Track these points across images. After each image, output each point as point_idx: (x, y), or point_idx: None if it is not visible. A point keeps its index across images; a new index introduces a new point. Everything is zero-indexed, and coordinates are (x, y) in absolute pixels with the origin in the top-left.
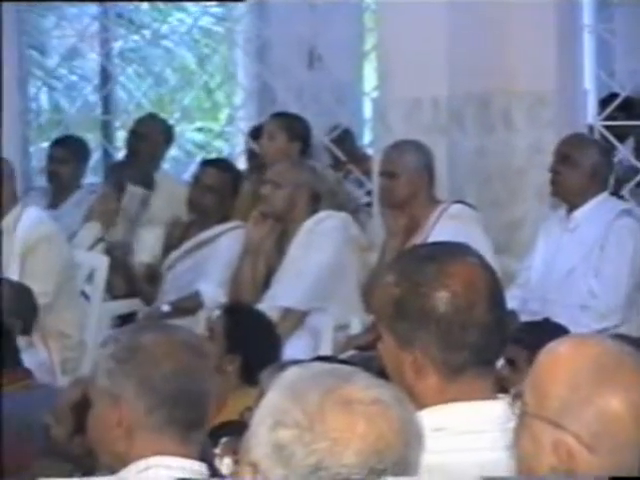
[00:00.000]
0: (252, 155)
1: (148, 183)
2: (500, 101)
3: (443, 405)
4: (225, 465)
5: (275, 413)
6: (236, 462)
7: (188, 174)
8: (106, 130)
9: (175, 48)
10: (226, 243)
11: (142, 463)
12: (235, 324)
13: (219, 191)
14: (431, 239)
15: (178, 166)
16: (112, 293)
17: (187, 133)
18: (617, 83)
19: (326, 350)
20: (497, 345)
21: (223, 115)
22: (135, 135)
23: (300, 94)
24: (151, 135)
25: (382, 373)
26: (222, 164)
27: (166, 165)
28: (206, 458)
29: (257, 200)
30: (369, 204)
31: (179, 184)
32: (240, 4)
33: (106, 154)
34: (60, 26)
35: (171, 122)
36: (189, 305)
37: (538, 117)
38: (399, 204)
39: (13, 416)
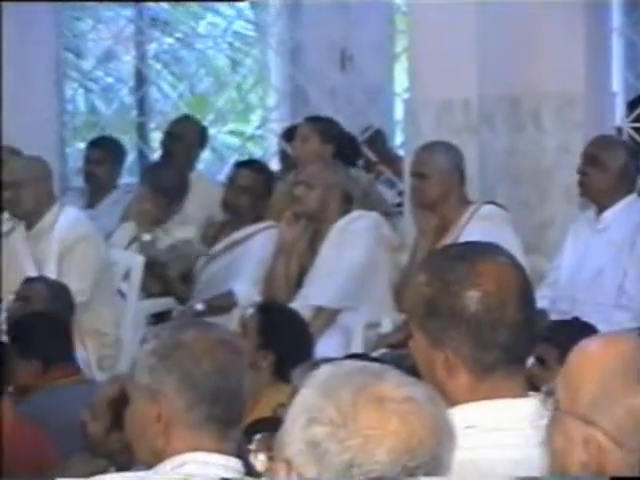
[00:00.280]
0: (285, 156)
1: (183, 184)
2: (530, 102)
3: (474, 403)
4: (259, 461)
5: (309, 410)
6: (270, 458)
7: (221, 176)
8: (141, 131)
9: (209, 51)
10: (259, 243)
11: (178, 459)
12: (268, 322)
13: (253, 192)
14: (462, 239)
15: (210, 168)
16: (147, 292)
17: (220, 136)
18: None
19: (357, 348)
20: (527, 344)
21: (256, 117)
22: (170, 136)
23: (332, 96)
24: (186, 136)
25: (413, 371)
26: (256, 165)
27: (199, 167)
28: (241, 454)
29: (290, 201)
30: (400, 204)
31: (213, 185)
32: (273, 7)
33: (141, 155)
34: (96, 29)
35: (205, 124)
36: (223, 303)
37: (567, 118)
38: (430, 204)
39: (67, 409)
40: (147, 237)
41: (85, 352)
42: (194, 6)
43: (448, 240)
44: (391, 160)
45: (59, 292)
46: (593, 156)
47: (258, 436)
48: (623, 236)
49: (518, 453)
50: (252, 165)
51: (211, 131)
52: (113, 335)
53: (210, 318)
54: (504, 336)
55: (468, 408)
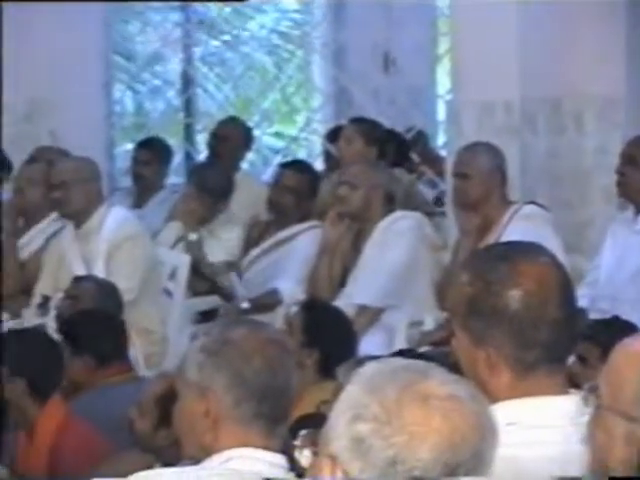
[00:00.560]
0: (329, 157)
1: (228, 184)
2: (571, 104)
3: (516, 400)
4: (304, 457)
5: (354, 407)
6: (315, 454)
7: (266, 177)
8: (188, 132)
9: (255, 52)
10: (304, 242)
11: (225, 454)
12: (312, 320)
13: (297, 192)
14: (503, 239)
15: (255, 169)
16: (193, 290)
17: (264, 137)
18: None
19: (400, 346)
20: (568, 342)
21: (300, 118)
22: (216, 137)
23: (375, 97)
24: (231, 137)
25: (455, 369)
26: (300, 166)
27: (244, 167)
28: (286, 450)
29: (334, 201)
30: (441, 204)
31: (258, 185)
32: (317, 9)
33: (188, 156)
34: (144, 32)
35: (250, 125)
36: (268, 302)
37: (608, 120)
38: (472, 205)
39: (119, 406)
40: (193, 236)
41: (133, 350)
42: (240, 9)
43: (490, 240)
44: (433, 160)
45: (108, 291)
46: (631, 156)
47: (303, 432)
48: None
49: (558, 451)
50: (297, 166)
51: (256, 132)
52: (160, 333)
53: (255, 316)
54: (545, 335)
55: (510, 405)
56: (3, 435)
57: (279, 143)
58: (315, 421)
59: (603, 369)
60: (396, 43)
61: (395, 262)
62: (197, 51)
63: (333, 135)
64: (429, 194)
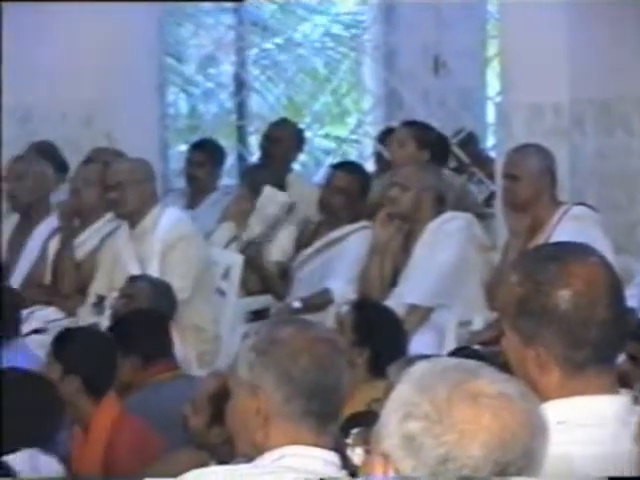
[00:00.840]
0: (380, 158)
1: (280, 185)
2: (619, 105)
3: (566, 399)
4: (357, 455)
5: (405, 405)
6: (367, 452)
7: (317, 178)
8: (241, 134)
9: (306, 55)
10: (355, 242)
11: (277, 452)
12: (363, 319)
13: (348, 193)
14: (553, 239)
15: (307, 170)
16: (246, 289)
17: (316, 139)
18: None
19: (450, 346)
20: (617, 342)
21: (351, 120)
22: (268, 139)
23: (426, 99)
24: (283, 139)
25: (505, 368)
26: (351, 167)
27: (296, 168)
28: (338, 448)
29: (384, 201)
30: (490, 204)
31: (310, 186)
32: (368, 12)
33: (240, 157)
34: (197, 35)
35: (302, 127)
36: (319, 301)
37: None
38: (522, 205)
39: (168, 403)
40: (246, 237)
41: (185, 348)
42: (292, 12)
43: (539, 240)
44: (483, 162)
45: (162, 290)
46: None
47: (355, 430)
48: None
49: (608, 450)
50: (348, 167)
51: (307, 134)
52: (212, 332)
53: (306, 315)
54: (595, 334)
55: (560, 404)
56: (59, 432)
57: (330, 144)
58: (366, 420)
59: None
60: (446, 45)
61: (445, 262)
62: (250, 54)
63: (384, 137)
64: (478, 195)
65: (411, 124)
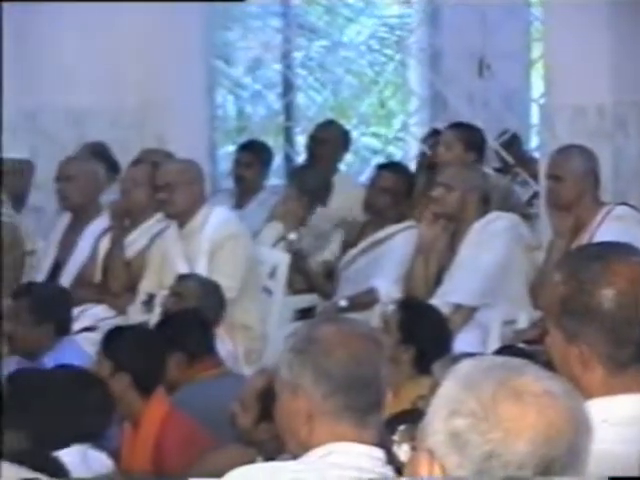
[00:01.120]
0: (422, 159)
1: (327, 186)
2: None
3: (609, 397)
4: (403, 452)
5: (451, 403)
6: (413, 449)
7: (363, 178)
8: (288, 135)
9: (353, 57)
10: (400, 242)
11: (323, 449)
12: (408, 317)
13: (394, 193)
14: (596, 239)
15: (353, 170)
16: (293, 288)
17: (362, 138)
18: None
19: (494, 344)
20: None
21: (396, 121)
22: (315, 140)
23: (470, 101)
24: (330, 140)
25: (548, 366)
26: (397, 167)
27: (342, 168)
28: (384, 445)
29: (429, 201)
30: (533, 204)
31: (356, 186)
32: (414, 15)
33: (287, 158)
34: (245, 38)
35: (348, 128)
36: (365, 300)
37: None
38: (565, 206)
39: (214, 401)
40: (292, 236)
41: (233, 345)
42: (339, 15)
43: (583, 240)
44: (527, 162)
45: (210, 289)
46: None
47: (402, 427)
48: None
49: None
50: (393, 167)
51: (353, 133)
52: (259, 330)
53: (352, 314)
54: (638, 333)
55: (603, 402)
56: (108, 428)
57: (376, 144)
58: (412, 417)
59: None
60: (491, 48)
61: (490, 262)
62: (297, 56)
63: (430, 138)
64: (522, 195)
65: (457, 126)
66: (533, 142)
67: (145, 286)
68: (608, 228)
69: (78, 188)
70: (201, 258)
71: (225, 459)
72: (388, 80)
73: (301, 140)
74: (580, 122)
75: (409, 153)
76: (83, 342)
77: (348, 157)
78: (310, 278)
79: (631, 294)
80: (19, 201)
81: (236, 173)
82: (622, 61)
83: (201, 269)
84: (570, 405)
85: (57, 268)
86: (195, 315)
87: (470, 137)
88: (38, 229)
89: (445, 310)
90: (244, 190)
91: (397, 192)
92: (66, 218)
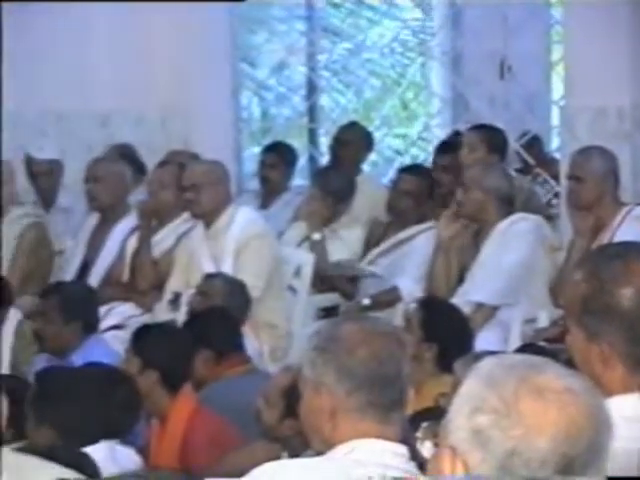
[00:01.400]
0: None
1: (350, 187)
2: None
3: (630, 394)
4: (426, 448)
5: (473, 400)
6: (436, 445)
7: (386, 178)
8: (312, 136)
9: (376, 59)
10: (422, 242)
11: (349, 445)
12: (430, 316)
13: (415, 195)
14: (616, 239)
15: (376, 171)
16: (317, 287)
17: (386, 139)
18: None
19: (515, 343)
20: None
21: (419, 123)
22: (338, 141)
23: (492, 103)
24: (353, 141)
25: (569, 364)
26: (418, 170)
27: (365, 169)
28: (407, 441)
29: (450, 202)
30: (554, 204)
31: (378, 187)
32: (436, 18)
33: (312, 159)
34: (270, 41)
35: (371, 129)
36: (388, 299)
37: None
38: (586, 206)
39: (242, 397)
40: (317, 236)
41: (259, 343)
42: (362, 18)
43: (603, 240)
44: (547, 163)
45: (236, 288)
46: None
47: (425, 424)
48: None
49: None
50: (415, 170)
51: (376, 135)
52: (284, 328)
53: (375, 312)
54: None
55: (623, 399)
56: (136, 425)
57: (399, 144)
58: (434, 415)
59: None
60: (511, 50)
61: (514, 263)
62: (321, 58)
63: (452, 140)
64: (543, 195)
65: (480, 128)
66: (554, 143)
67: (172, 285)
68: (628, 228)
69: (106, 189)
70: (227, 257)
71: (250, 456)
72: (410, 82)
73: (325, 141)
74: (600, 124)
75: (431, 154)
76: (111, 340)
77: (371, 158)
78: (333, 278)
79: None
80: (48, 201)
81: (261, 174)
82: None
83: (227, 268)
84: (591, 403)
85: (85, 267)
86: (223, 313)
87: (493, 139)
88: (67, 230)
89: (467, 309)
90: (269, 191)
91: (419, 194)
92: (94, 218)
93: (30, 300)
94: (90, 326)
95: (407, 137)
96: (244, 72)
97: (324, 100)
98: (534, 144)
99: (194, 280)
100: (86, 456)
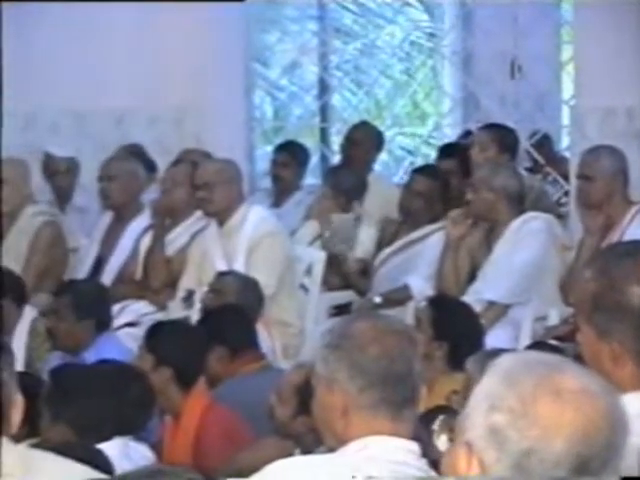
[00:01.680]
0: None
1: (361, 186)
2: None
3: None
4: (441, 441)
5: (490, 398)
6: (452, 440)
7: (397, 177)
8: (324, 136)
9: (387, 59)
10: (434, 242)
11: (360, 442)
12: (441, 314)
13: (427, 196)
14: (626, 237)
15: (387, 170)
16: (328, 285)
17: (397, 138)
18: None
19: (525, 341)
20: None
21: (430, 122)
22: (349, 141)
23: (502, 102)
24: (364, 141)
25: (578, 362)
26: (430, 171)
27: (376, 168)
28: (419, 438)
29: (460, 202)
30: (564, 203)
31: (390, 186)
32: (447, 19)
33: (323, 158)
34: (282, 41)
35: (382, 129)
36: (399, 297)
37: None
38: (596, 205)
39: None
40: (328, 234)
41: (271, 341)
42: (374, 18)
43: (613, 238)
44: (557, 162)
45: (249, 285)
46: None
47: (442, 417)
48: None
49: None
50: (427, 171)
51: (388, 134)
52: (296, 326)
53: (386, 310)
54: None
55: (634, 397)
56: (150, 421)
57: (410, 143)
58: (447, 412)
59: None
60: (522, 50)
61: (526, 262)
62: (333, 59)
63: (463, 139)
64: (553, 194)
65: (491, 127)
66: (564, 142)
67: (185, 283)
68: (638, 226)
69: (119, 187)
70: (239, 256)
71: (263, 452)
72: (421, 82)
73: (337, 140)
74: (610, 123)
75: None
76: (124, 337)
77: (382, 157)
78: (345, 275)
79: None
80: (64, 200)
81: (273, 173)
82: None
83: (239, 266)
84: (608, 403)
85: (99, 265)
86: (237, 310)
87: (504, 138)
88: (82, 228)
89: (478, 307)
90: (281, 190)
91: (431, 195)
92: (108, 217)
93: (45, 298)
94: (103, 324)
95: (418, 136)
96: (257, 72)
97: (336, 100)
98: (544, 143)
99: (207, 278)
100: (100, 452)
